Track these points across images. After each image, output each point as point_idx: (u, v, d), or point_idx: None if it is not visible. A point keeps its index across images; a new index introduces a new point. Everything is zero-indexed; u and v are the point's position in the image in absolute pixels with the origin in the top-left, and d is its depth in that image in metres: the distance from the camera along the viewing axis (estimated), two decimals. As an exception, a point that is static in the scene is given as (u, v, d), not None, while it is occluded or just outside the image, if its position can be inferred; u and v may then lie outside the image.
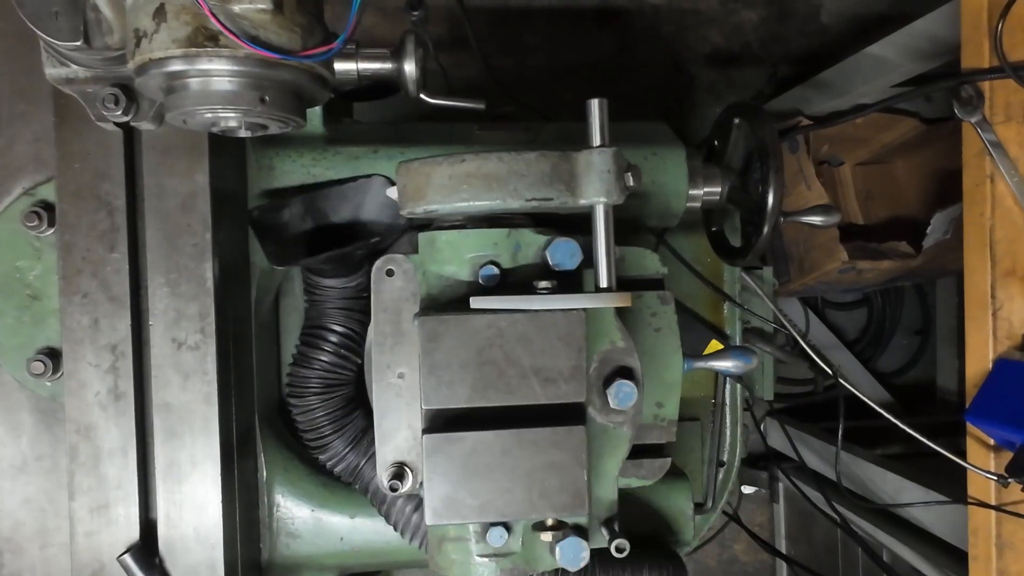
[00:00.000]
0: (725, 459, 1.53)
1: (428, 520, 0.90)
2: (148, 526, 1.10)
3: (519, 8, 2.49)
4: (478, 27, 2.38)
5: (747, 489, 2.58)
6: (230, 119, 0.86)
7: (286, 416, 1.31)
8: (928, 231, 2.08)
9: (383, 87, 1.25)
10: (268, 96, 0.83)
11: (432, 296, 0.98)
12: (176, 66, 0.79)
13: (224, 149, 1.12)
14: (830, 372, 1.53)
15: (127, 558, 1.06)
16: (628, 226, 1.34)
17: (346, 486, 1.28)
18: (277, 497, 1.28)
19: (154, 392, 1.09)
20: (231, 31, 0.77)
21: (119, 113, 0.95)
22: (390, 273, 1.07)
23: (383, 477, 1.06)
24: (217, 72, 0.80)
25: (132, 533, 1.08)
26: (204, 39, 0.77)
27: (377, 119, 1.51)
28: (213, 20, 0.76)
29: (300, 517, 1.28)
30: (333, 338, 1.24)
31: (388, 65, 1.19)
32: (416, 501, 1.19)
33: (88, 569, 1.08)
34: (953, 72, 1.37)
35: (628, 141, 1.20)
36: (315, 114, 1.23)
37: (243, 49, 0.78)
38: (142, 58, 0.79)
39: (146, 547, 1.08)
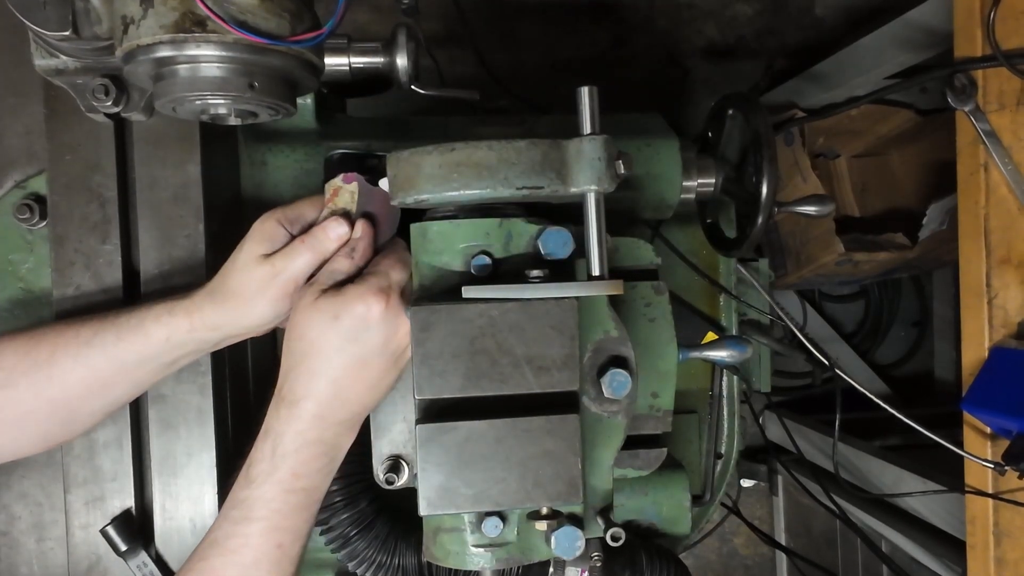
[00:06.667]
0: (723, 451, 1.53)
1: (422, 511, 0.89)
2: (144, 518, 1.09)
3: (514, 3, 2.49)
4: (472, 22, 2.37)
5: (746, 483, 2.57)
6: (219, 106, 0.85)
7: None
8: (924, 222, 2.08)
9: (376, 82, 1.25)
10: (257, 82, 0.83)
11: (425, 287, 0.97)
12: (164, 52, 0.79)
13: (216, 141, 1.12)
14: (827, 364, 1.52)
15: (109, 529, 1.06)
16: (623, 219, 1.34)
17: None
18: (273, 491, 1.28)
19: (148, 384, 1.08)
20: (218, 16, 0.76)
21: (109, 104, 0.95)
22: (383, 264, 1.07)
23: (379, 470, 1.06)
24: (205, 58, 0.80)
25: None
26: (191, 24, 0.77)
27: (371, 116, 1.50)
28: (200, 5, 0.75)
29: (296, 511, 1.28)
30: None
31: (380, 58, 1.20)
32: None
33: (85, 562, 1.08)
34: (946, 62, 1.37)
35: (622, 132, 1.20)
36: (308, 109, 1.23)
37: (231, 34, 0.78)
38: (129, 45, 0.79)
39: (128, 520, 1.08)
